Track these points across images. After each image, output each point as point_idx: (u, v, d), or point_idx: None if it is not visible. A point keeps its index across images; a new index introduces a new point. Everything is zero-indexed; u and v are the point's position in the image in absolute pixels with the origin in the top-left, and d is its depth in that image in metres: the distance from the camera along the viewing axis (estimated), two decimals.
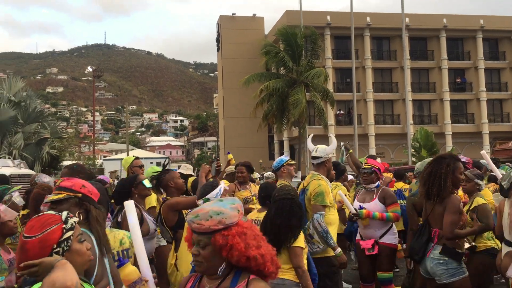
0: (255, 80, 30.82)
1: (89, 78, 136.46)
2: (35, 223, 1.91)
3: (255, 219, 4.52)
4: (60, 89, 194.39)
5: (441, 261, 4.18)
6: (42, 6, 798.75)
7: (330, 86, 35.66)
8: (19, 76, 21.44)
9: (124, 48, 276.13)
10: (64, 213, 1.98)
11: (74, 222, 1.98)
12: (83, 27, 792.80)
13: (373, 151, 35.49)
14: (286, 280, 3.85)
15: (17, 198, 4.27)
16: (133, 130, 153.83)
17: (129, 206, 2.58)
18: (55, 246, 1.88)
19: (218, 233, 1.93)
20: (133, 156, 6.45)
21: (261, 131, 34.06)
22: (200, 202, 3.91)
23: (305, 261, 3.98)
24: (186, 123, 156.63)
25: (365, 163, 5.86)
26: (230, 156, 6.95)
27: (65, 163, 26.50)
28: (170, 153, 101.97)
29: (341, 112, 40.12)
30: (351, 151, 7.32)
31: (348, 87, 37.86)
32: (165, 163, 4.81)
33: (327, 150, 5.25)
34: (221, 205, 2.00)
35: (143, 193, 4.26)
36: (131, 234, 2.51)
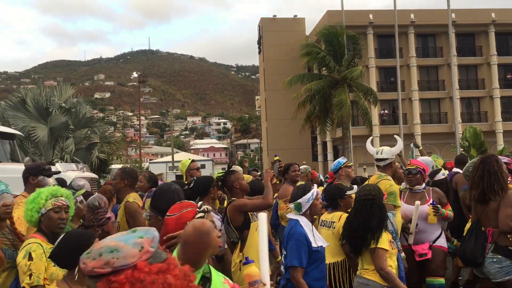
0: (297, 82, 30.72)
1: (135, 83, 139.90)
2: (176, 206, 2.40)
3: (324, 220, 4.59)
4: (107, 94, 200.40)
5: (495, 260, 4.12)
6: (87, 16, 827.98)
7: (373, 85, 35.08)
8: (69, 83, 22.22)
9: (167, 53, 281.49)
10: (200, 203, 2.44)
11: (207, 208, 2.38)
12: (127, 34, 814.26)
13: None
14: (371, 281, 3.78)
15: (82, 202, 4.29)
16: (178, 133, 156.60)
17: (262, 218, 2.67)
18: (188, 223, 2.19)
19: (105, 278, 1.38)
20: (189, 159, 6.51)
21: (304, 132, 33.88)
22: (291, 206, 3.81)
23: (394, 263, 3.85)
24: (229, 125, 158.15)
25: (409, 164, 5.55)
26: (277, 158, 6.97)
27: (113, 166, 27.30)
28: (214, 155, 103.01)
29: (386, 111, 39.41)
30: (421, 147, 7.30)
31: (392, 86, 37.12)
32: (231, 164, 4.81)
33: (393, 151, 5.24)
34: (123, 239, 1.46)
35: (216, 195, 4.44)
36: (260, 243, 2.60)
